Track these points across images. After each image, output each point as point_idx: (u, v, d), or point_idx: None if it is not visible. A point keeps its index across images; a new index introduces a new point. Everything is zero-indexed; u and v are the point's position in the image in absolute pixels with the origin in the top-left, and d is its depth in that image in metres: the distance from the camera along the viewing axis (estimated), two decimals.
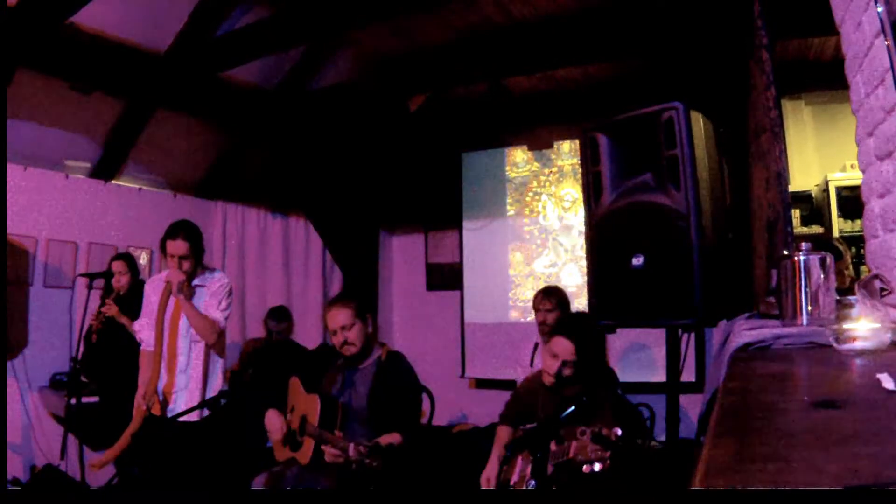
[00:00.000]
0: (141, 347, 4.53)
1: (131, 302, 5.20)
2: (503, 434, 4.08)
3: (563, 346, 3.71)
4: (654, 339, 6.47)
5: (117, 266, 5.62)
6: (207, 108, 6.70)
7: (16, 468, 5.55)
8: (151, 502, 3.96)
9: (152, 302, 4.43)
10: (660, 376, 4.78)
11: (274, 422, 4.14)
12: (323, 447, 3.82)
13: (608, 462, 2.93)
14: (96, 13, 5.15)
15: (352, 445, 3.61)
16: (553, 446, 3.38)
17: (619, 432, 2.97)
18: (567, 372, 3.70)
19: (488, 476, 3.88)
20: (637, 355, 6.68)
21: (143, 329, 4.51)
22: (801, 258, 2.00)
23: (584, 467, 2.97)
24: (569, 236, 7.89)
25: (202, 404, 4.23)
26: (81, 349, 5.52)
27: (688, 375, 4.22)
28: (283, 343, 6.72)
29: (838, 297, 1.97)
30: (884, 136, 2.14)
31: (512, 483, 3.71)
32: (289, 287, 8.10)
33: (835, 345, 1.60)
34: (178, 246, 4.29)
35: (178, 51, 5.87)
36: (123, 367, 4.96)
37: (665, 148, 3.18)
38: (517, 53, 6.37)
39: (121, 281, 5.57)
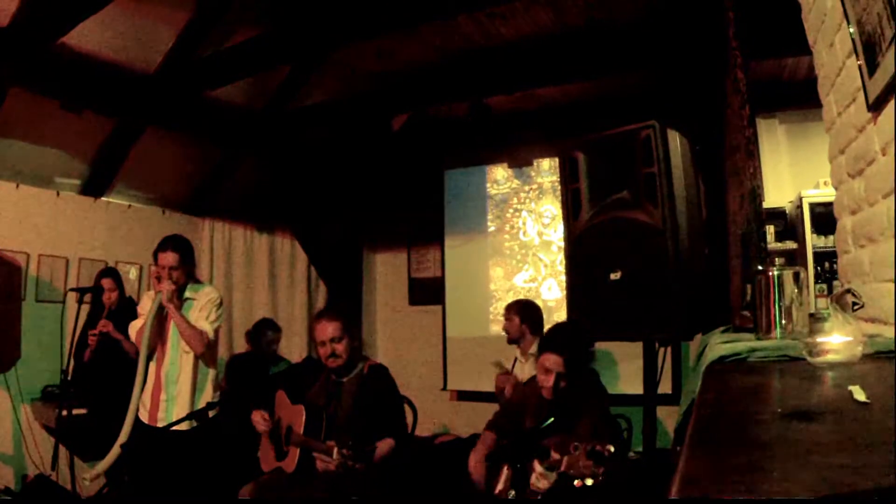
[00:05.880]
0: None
1: (122, 317, 5.25)
2: (488, 437, 4.16)
3: (553, 361, 3.77)
4: (630, 352, 6.53)
5: (107, 283, 5.64)
6: (195, 127, 6.75)
7: (7, 478, 5.61)
8: None
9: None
10: (636, 388, 4.87)
11: (259, 416, 4.23)
12: (315, 454, 3.92)
13: (601, 478, 2.91)
14: (87, 34, 5.21)
15: (335, 449, 3.71)
16: (543, 461, 3.44)
17: (613, 449, 2.96)
18: (563, 383, 3.76)
19: (475, 459, 3.98)
20: (613, 368, 6.76)
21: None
22: (775, 273, 2.06)
23: (576, 482, 2.95)
24: (548, 252, 7.96)
25: (191, 415, 4.28)
26: (71, 364, 5.52)
27: (664, 387, 4.31)
28: (273, 355, 6.79)
29: (811, 312, 2.06)
30: (855, 153, 2.17)
31: (497, 491, 3.80)
32: (274, 302, 8.12)
33: (808, 358, 1.62)
34: (168, 257, 4.43)
35: (167, 70, 5.93)
36: (115, 381, 5.01)
37: (642, 165, 3.24)
38: (497, 73, 6.41)
39: (111, 297, 5.59)
